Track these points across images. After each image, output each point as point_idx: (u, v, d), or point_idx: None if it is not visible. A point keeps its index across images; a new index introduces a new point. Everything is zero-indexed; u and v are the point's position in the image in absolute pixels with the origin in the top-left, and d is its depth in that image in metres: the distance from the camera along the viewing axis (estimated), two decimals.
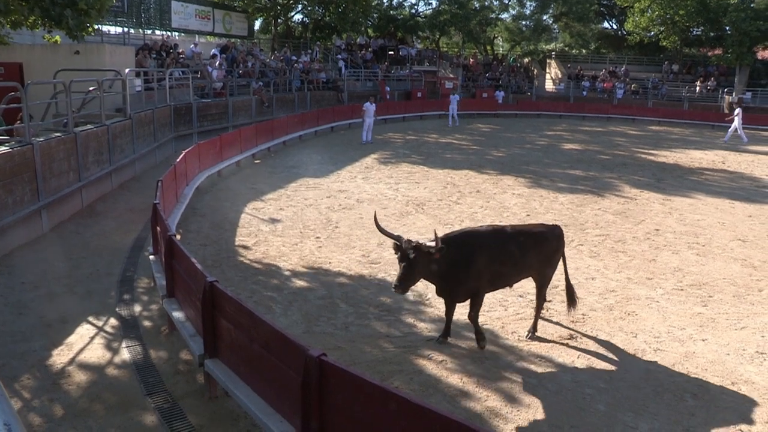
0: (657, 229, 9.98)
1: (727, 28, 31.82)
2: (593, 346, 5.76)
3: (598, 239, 9.29)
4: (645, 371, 5.30)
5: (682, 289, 7.36)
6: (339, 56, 28.79)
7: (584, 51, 39.62)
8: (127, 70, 12.91)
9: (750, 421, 4.61)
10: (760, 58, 33.27)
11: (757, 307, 6.89)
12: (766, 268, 8.21)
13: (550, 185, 13.30)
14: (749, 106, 30.30)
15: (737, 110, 24.03)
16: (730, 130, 23.76)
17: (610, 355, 5.58)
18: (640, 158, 18.17)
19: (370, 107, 19.77)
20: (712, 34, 33.53)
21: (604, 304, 6.83)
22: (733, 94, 31.13)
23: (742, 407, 4.79)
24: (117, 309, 6.35)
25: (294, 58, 25.72)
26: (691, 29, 33.80)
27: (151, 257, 6.89)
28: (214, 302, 4.39)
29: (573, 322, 6.31)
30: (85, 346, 5.52)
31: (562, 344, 5.77)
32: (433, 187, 12.82)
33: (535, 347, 5.69)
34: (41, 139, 8.69)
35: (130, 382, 4.92)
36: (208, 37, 26.53)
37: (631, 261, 8.33)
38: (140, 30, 21.86)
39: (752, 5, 31.19)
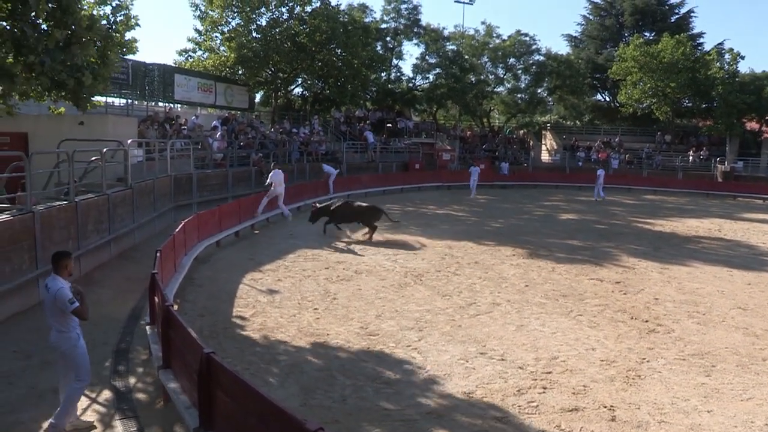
0: (656, 299, 10.00)
1: (716, 100, 32.99)
2: (596, 418, 5.69)
3: (597, 309, 9.29)
4: None
5: (684, 359, 7.32)
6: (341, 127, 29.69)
7: (578, 122, 40.88)
8: (129, 141, 13.19)
9: None
10: (748, 128, 34.33)
11: (762, 377, 6.83)
12: None
13: (548, 255, 13.39)
14: (741, 174, 30.98)
15: None
16: None
17: (614, 428, 5.50)
18: (637, 227, 18.38)
19: (328, 168, 21.42)
20: (702, 105, 34.68)
21: (606, 375, 6.78)
22: (725, 163, 31.87)
23: None
24: (111, 380, 6.28)
25: (294, 130, 26.47)
26: (682, 101, 34.96)
27: (148, 327, 6.88)
28: (210, 374, 4.38)
29: (574, 393, 6.25)
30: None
31: (565, 415, 5.69)
32: (431, 258, 12.87)
33: (537, 420, 5.61)
34: (42, 207, 8.84)
35: None
36: (209, 108, 27.38)
37: (631, 331, 8.32)
38: (144, 101, 22.58)
39: (737, 79, 32.47)
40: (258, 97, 33.17)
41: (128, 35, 12.71)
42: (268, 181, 16.48)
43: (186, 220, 11.01)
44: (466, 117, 41.71)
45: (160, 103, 23.43)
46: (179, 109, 24.42)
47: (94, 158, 11.86)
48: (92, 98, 12.01)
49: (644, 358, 7.31)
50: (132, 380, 6.34)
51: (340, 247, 13.86)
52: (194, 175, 16.75)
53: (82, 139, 12.16)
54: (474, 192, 26.29)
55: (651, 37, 37.01)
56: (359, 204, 15.68)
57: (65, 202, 9.55)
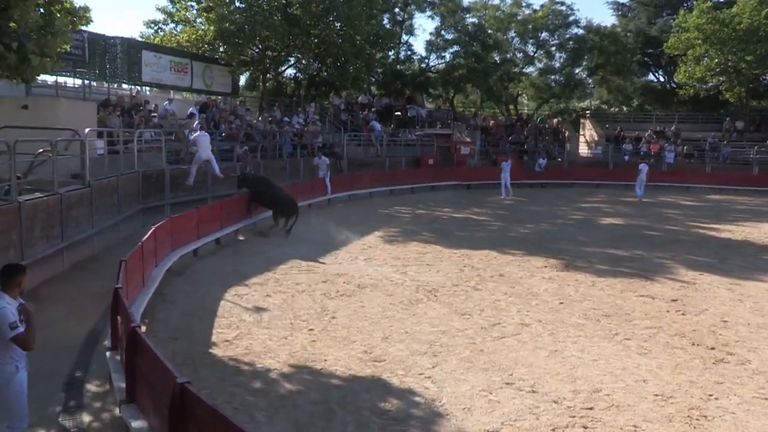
0: (725, 321, 9.89)
1: None
2: None
3: (649, 333, 9.22)
4: None
5: (766, 398, 7.19)
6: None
7: (625, 108, 40.70)
8: (87, 130, 13.09)
9: None
10: None
11: None
12: None
13: (586, 267, 13.34)
14: None
15: None
16: None
17: None
18: (697, 233, 18.28)
19: (320, 161, 21.98)
20: None
21: (661, 413, 6.71)
22: None
23: None
24: (61, 419, 6.27)
25: (286, 119, 26.54)
26: (760, 78, 33.34)
27: (109, 353, 6.87)
28: (184, 408, 4.37)
29: None
30: None
31: None
32: (447, 270, 12.87)
33: None
34: None
35: None
36: (184, 93, 27.50)
37: (693, 360, 8.22)
38: (104, 83, 22.52)
39: None
40: (243, 79, 33.40)
41: (79, 1, 12.43)
42: (191, 145, 17.80)
43: (157, 225, 11.02)
44: (488, 103, 41.79)
45: (125, 86, 23.45)
46: (148, 93, 24.51)
47: (42, 150, 11.79)
48: (39, 72, 11.76)
49: (711, 395, 7.19)
50: (86, 419, 6.33)
51: (340, 257, 13.84)
52: (167, 172, 16.79)
53: (27, 126, 11.98)
54: (507, 192, 26.32)
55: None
56: (281, 189, 16.28)
57: (4, 203, 9.45)
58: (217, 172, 17.71)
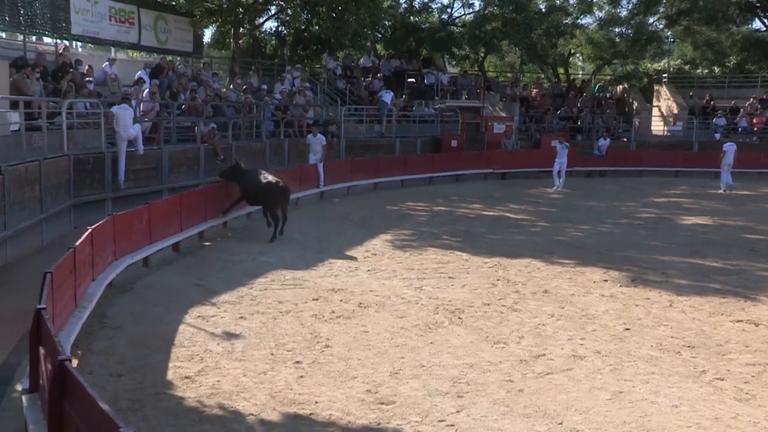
0: None
1: None
2: None
3: (751, 371, 9.15)
4: None
5: None
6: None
7: (717, 69, 40.11)
8: None
9: None
10: None
11: None
12: None
13: (662, 282, 13.29)
14: None
15: None
16: None
17: None
18: None
19: (314, 141, 22.39)
20: None
21: None
22: None
23: None
24: None
25: (265, 87, 26.55)
26: None
27: (26, 398, 6.84)
28: None
29: None
30: None
31: None
32: (475, 284, 12.86)
33: None
34: None
35: None
36: (130, 51, 27.48)
37: None
38: (18, 35, 22.10)
39: None
40: (208, 34, 33.42)
41: None
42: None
43: (95, 226, 10.99)
44: (531, 67, 41.61)
45: (47, 39, 23.02)
46: (80, 50, 24.44)
47: None
48: None
49: None
50: None
51: (336, 267, 13.85)
52: (107, 156, 16.84)
53: None
54: (561, 182, 26.32)
55: None
56: (265, 176, 16.57)
57: None
58: (141, 149, 18.00)
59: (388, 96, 29.60)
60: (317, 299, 11.69)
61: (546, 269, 14.09)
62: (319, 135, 22.89)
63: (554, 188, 26.13)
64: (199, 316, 10.67)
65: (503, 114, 33.14)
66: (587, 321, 10.91)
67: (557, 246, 16.36)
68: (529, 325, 10.63)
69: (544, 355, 9.41)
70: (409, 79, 33.27)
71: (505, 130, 31.79)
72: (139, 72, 22.59)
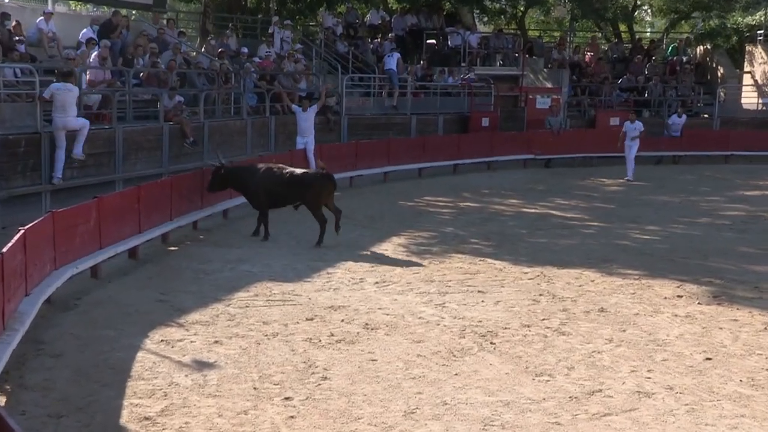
0: None
1: None
2: None
3: None
4: None
5: None
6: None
7: None
8: None
9: None
10: None
11: None
12: None
13: (753, 299, 13.23)
14: None
15: None
16: None
17: None
18: None
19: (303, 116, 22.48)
20: None
21: None
22: None
23: None
24: None
25: (245, 50, 26.48)
26: None
27: None
28: None
29: None
30: None
31: None
32: (512, 300, 12.85)
33: None
34: None
35: None
36: (73, 2, 27.38)
37: None
38: None
39: None
40: None
41: None
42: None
43: (28, 226, 10.93)
44: (584, 23, 41.49)
45: None
46: (6, 1, 24.36)
47: None
48: None
49: None
50: None
51: (336, 278, 13.88)
52: (44, 138, 16.81)
53: None
54: (632, 170, 26.31)
55: None
56: (282, 168, 16.89)
57: None
58: (79, 152, 17.28)
59: (392, 60, 29.45)
60: (312, 319, 11.68)
61: (602, 282, 14.07)
62: (310, 108, 22.65)
63: (625, 179, 26.16)
64: (162, 341, 10.64)
65: (548, 84, 33.06)
66: (656, 348, 10.82)
67: (617, 252, 16.36)
68: (581, 352, 10.57)
69: (600, 391, 9.31)
70: (429, 41, 33.27)
71: (550, 105, 31.71)
72: (85, 30, 22.53)
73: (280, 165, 17.03)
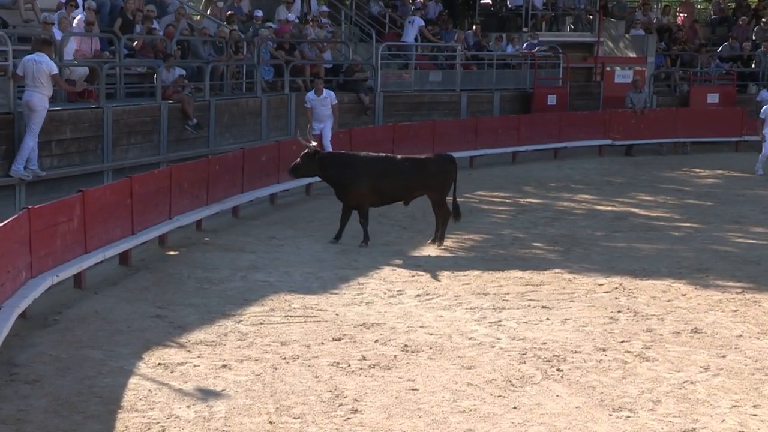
0: None
1: None
2: None
3: None
4: None
5: None
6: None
7: None
8: None
9: None
10: None
11: None
12: None
13: None
14: None
15: None
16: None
17: None
18: None
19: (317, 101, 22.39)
20: None
21: None
22: None
23: None
24: None
25: (260, 14, 26.51)
26: None
27: None
28: None
29: None
30: None
31: None
32: (584, 318, 12.86)
33: None
34: None
35: None
36: None
37: None
38: None
39: None
40: None
41: None
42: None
43: (0, 225, 11.10)
44: None
45: None
46: None
47: None
48: None
49: None
50: None
51: (368, 290, 13.94)
52: (18, 120, 16.91)
53: None
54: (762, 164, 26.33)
55: None
56: (409, 157, 17.14)
57: None
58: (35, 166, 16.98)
59: (412, 29, 29.14)
60: (340, 339, 11.71)
61: (696, 296, 14.02)
62: (326, 92, 22.65)
63: (755, 172, 26.05)
64: (159, 364, 10.68)
65: (630, 54, 32.85)
66: (763, 378, 10.74)
67: (715, 260, 16.34)
68: (670, 382, 10.50)
69: (694, 430, 9.23)
70: (484, 0, 33.03)
71: (633, 80, 31.53)
72: None
73: (384, 153, 17.30)
